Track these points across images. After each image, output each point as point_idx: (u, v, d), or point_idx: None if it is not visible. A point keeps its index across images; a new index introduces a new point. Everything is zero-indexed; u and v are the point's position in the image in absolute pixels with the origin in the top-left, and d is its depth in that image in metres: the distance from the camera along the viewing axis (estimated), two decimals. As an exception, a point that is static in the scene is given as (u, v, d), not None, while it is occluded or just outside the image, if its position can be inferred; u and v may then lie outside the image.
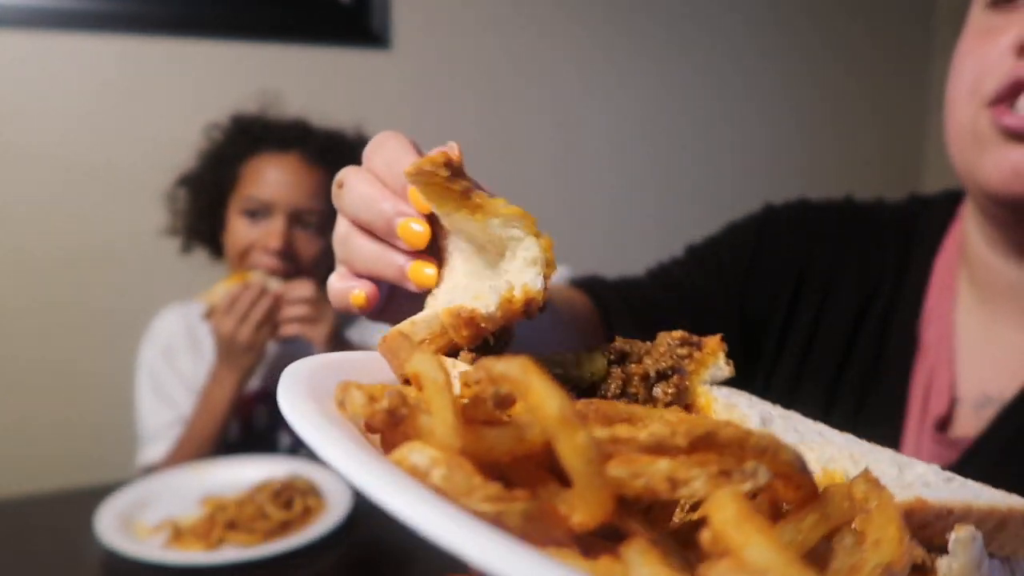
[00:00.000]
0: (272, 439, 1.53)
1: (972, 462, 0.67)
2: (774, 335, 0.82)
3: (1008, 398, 0.67)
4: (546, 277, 0.38)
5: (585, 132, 2.45)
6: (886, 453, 0.35)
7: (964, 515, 0.30)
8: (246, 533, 1.10)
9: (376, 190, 0.44)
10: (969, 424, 0.69)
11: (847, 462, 0.31)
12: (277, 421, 1.53)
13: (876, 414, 0.75)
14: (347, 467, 0.23)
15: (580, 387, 0.36)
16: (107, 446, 1.81)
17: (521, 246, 0.40)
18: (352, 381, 0.27)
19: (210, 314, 1.42)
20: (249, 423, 1.52)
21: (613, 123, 2.48)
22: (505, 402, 0.24)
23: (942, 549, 0.29)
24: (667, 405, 0.36)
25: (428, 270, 0.43)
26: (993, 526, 0.30)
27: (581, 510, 0.22)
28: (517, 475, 0.23)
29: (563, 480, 0.23)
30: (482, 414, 0.24)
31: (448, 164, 0.38)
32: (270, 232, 1.46)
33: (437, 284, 0.43)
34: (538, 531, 0.22)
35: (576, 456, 0.21)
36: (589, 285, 0.80)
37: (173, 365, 1.54)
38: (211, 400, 1.40)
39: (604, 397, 0.36)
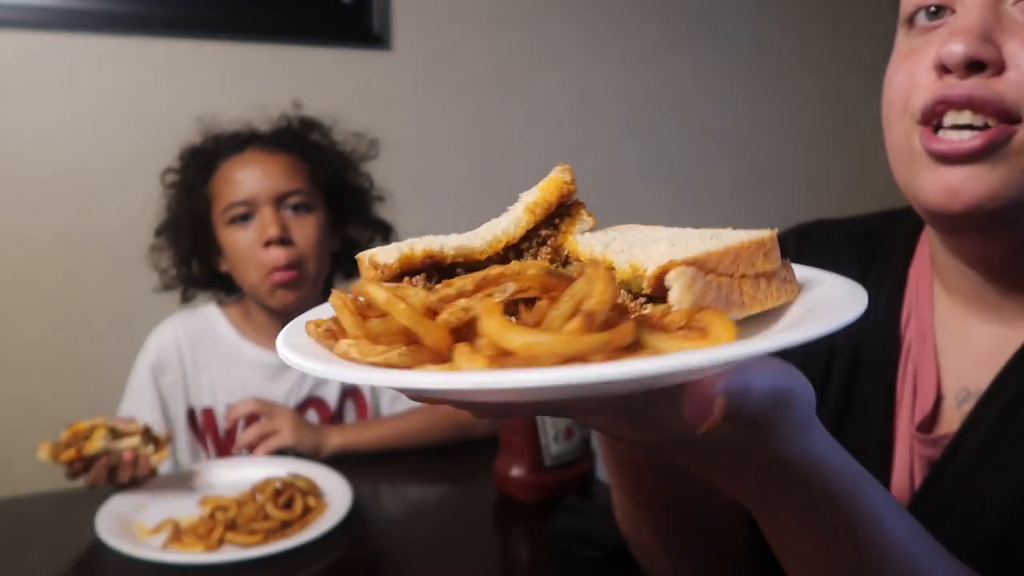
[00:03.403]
0: (281, 451, 1.53)
1: (954, 458, 0.68)
2: None
3: (983, 391, 0.68)
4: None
5: (587, 132, 2.45)
6: (666, 234, 0.47)
7: (706, 260, 0.40)
8: (246, 533, 1.10)
9: None
10: (953, 420, 0.71)
11: (643, 256, 0.42)
12: None
13: (863, 417, 0.76)
14: (306, 367, 0.37)
15: (486, 267, 0.48)
16: (107, 446, 1.81)
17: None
18: (310, 320, 0.44)
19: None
20: None
21: (615, 122, 2.48)
22: (371, 306, 0.40)
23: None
24: (551, 262, 0.50)
25: None
26: (732, 259, 0.41)
27: (431, 343, 0.37)
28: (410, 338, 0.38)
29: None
30: (373, 311, 0.40)
31: None
32: (263, 224, 1.46)
33: None
34: (416, 361, 0.36)
35: (405, 318, 0.37)
36: None
37: (157, 383, 1.53)
38: None
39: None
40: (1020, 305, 0.70)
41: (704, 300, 0.39)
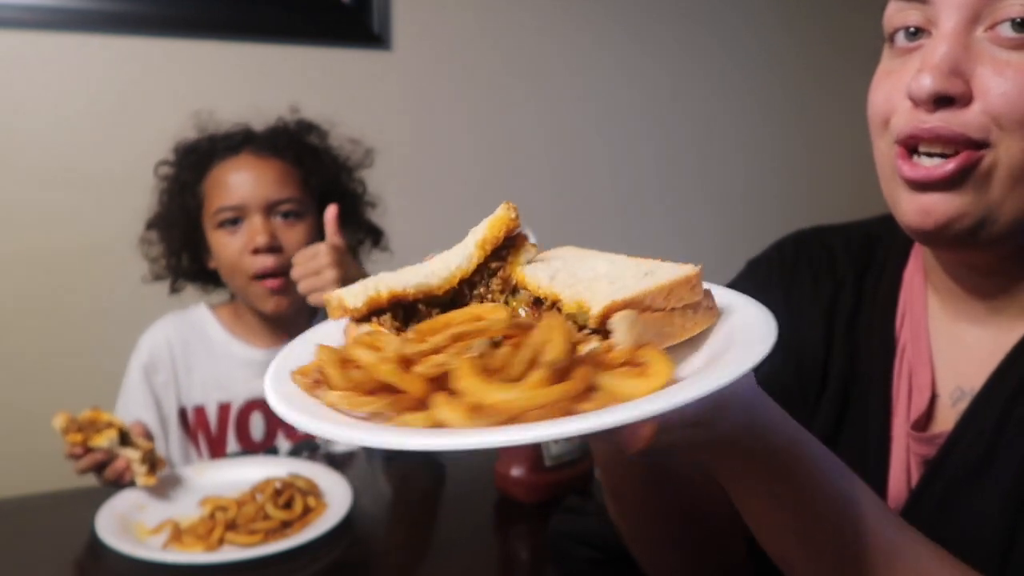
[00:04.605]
0: (272, 447, 1.53)
1: (950, 455, 0.68)
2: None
3: (977, 390, 0.70)
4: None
5: (586, 132, 2.45)
6: (605, 266, 0.52)
7: (642, 298, 0.45)
8: (246, 533, 1.10)
9: None
10: (948, 419, 0.72)
11: (587, 294, 0.47)
12: (274, 428, 1.53)
13: (860, 417, 0.77)
14: (311, 428, 0.40)
15: (444, 299, 0.54)
16: (107, 446, 1.81)
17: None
18: (294, 370, 0.46)
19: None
20: (247, 433, 1.52)
21: (615, 124, 2.48)
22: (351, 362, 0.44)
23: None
24: (501, 291, 0.54)
25: None
26: (665, 295, 0.46)
27: (412, 393, 0.41)
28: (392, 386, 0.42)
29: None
30: (352, 366, 0.43)
31: None
32: (252, 231, 1.45)
33: None
34: (399, 410, 0.41)
35: (385, 375, 0.41)
36: None
37: (150, 382, 1.53)
38: None
39: (464, 298, 0.54)
40: (1002, 312, 0.72)
41: (643, 338, 0.44)
